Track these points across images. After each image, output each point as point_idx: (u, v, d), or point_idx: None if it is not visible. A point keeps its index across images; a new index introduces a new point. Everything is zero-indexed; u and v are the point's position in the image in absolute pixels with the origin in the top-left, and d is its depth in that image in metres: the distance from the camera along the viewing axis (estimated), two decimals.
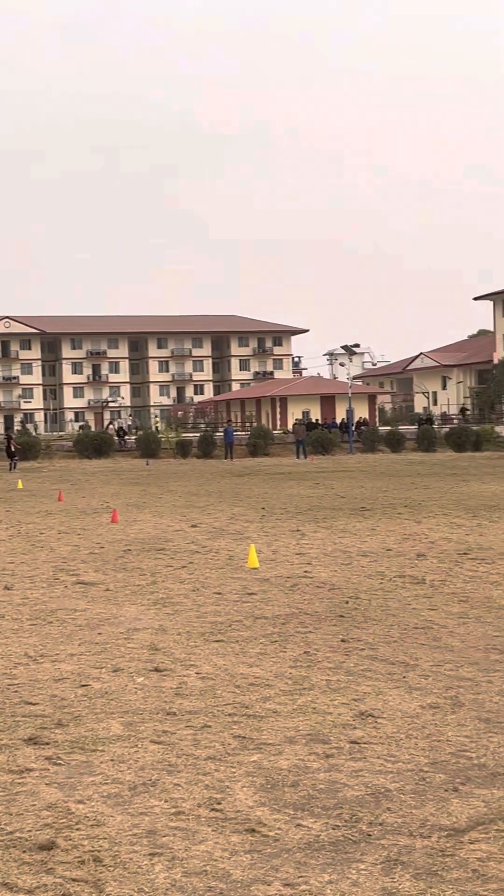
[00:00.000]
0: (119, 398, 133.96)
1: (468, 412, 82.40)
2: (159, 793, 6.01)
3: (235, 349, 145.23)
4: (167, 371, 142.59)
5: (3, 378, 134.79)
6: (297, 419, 78.86)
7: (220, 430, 67.58)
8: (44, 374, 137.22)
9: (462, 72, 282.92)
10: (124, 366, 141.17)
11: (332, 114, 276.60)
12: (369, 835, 5.34)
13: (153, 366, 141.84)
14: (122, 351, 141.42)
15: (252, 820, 5.57)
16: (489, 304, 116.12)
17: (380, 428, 70.75)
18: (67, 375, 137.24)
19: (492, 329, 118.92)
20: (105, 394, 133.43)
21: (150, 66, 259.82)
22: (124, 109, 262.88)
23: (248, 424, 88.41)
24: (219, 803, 5.81)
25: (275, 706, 7.73)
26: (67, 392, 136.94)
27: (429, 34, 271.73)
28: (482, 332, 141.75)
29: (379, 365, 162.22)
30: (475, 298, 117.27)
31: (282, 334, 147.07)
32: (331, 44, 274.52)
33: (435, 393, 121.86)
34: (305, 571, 14.33)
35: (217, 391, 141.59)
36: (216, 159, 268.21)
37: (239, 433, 67.05)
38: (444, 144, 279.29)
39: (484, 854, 5.05)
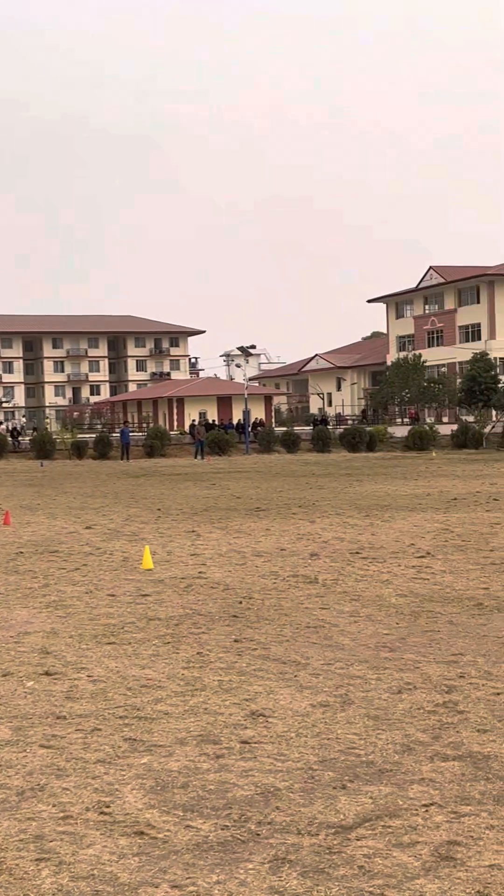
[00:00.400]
0: (11, 399, 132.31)
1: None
2: (47, 797, 5.95)
3: (132, 350, 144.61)
4: (62, 371, 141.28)
5: None
6: (194, 420, 78.86)
7: (117, 430, 67.17)
8: None
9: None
10: (18, 366, 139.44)
11: (234, 119, 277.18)
12: (258, 834, 5.37)
13: (48, 366, 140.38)
14: (17, 351, 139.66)
15: (141, 822, 5.55)
16: (382, 306, 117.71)
17: (276, 429, 71.11)
18: None
19: (385, 331, 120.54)
20: None
21: None
22: None
23: (144, 425, 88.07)
24: (107, 806, 5.78)
25: (166, 708, 7.72)
26: None
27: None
28: (376, 334, 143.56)
29: (275, 366, 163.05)
30: (369, 301, 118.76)
31: (178, 335, 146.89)
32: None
33: (330, 394, 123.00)
34: (200, 572, 14.34)
35: (113, 392, 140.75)
36: (108, 156, 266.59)
37: (135, 434, 66.76)
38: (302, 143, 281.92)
39: (370, 850, 5.12)
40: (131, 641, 10.05)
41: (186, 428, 74.31)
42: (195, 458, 54.41)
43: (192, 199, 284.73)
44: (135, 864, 5.03)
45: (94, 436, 63.03)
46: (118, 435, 59.59)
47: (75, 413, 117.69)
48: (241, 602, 12.04)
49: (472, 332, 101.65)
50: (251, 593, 12.60)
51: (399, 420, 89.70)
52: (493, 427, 64.44)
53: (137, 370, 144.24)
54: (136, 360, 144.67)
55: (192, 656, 9.36)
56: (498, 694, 7.88)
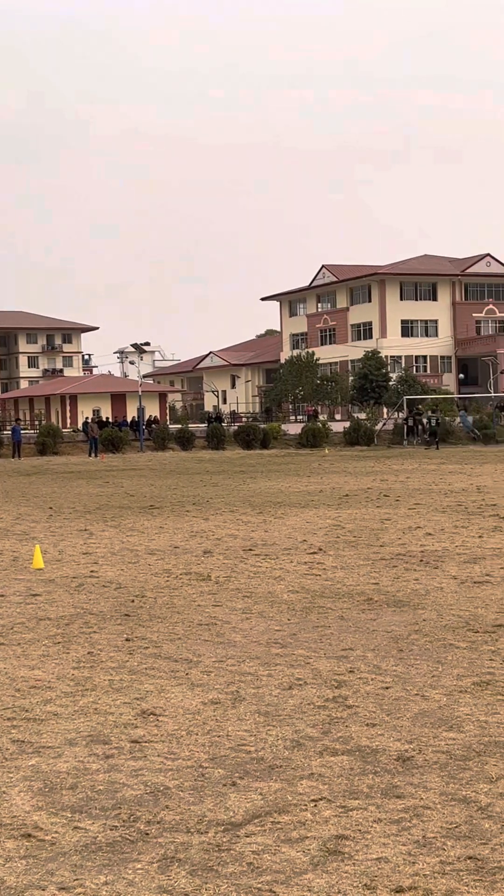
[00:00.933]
0: None
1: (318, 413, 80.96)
2: None
3: (23, 346, 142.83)
4: None
5: None
6: (87, 417, 78.15)
7: (8, 428, 66.17)
8: None
9: None
10: None
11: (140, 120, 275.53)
12: (147, 833, 5.34)
13: None
14: None
15: (28, 825, 5.48)
16: (276, 304, 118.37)
17: (170, 426, 70.95)
18: None
19: (279, 329, 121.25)
20: None
21: None
22: None
23: (36, 423, 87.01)
24: None
25: (56, 708, 7.63)
26: None
27: None
28: (270, 332, 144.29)
29: (169, 363, 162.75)
30: (263, 299, 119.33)
31: (71, 331, 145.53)
32: None
33: (224, 391, 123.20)
34: (92, 571, 14.22)
35: (4, 389, 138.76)
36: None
37: (27, 431, 65.90)
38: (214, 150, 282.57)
39: (259, 847, 5.13)
40: (20, 642, 9.92)
41: (80, 425, 73.65)
42: (89, 455, 53.96)
43: (88, 193, 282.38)
44: (21, 867, 4.96)
45: None
46: (9, 433, 58.74)
47: None
48: (133, 601, 11.98)
49: (363, 331, 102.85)
50: (144, 592, 12.55)
51: (293, 418, 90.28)
52: (385, 424, 65.27)
53: (29, 367, 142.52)
54: (28, 357, 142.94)
55: (82, 656, 9.28)
56: (387, 688, 7.99)
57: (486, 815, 5.48)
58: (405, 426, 59.63)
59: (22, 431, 58.49)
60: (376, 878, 4.75)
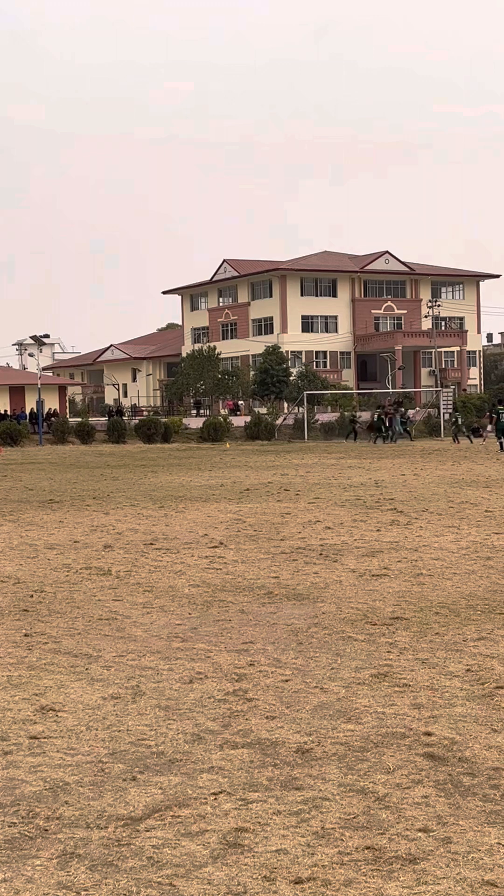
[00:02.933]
0: None
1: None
2: None
3: None
4: None
5: None
6: None
7: None
8: None
9: None
10: None
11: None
12: (46, 829, 5.31)
13: None
14: None
15: None
16: (177, 298, 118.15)
17: (70, 419, 70.37)
18: None
19: (180, 323, 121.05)
20: None
21: None
22: None
23: None
24: None
25: None
26: None
27: None
28: (171, 326, 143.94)
29: (69, 356, 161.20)
30: (164, 292, 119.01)
31: None
32: None
33: (125, 385, 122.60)
34: None
35: None
36: None
37: None
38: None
39: (159, 841, 5.14)
40: None
41: None
42: None
43: None
44: None
45: None
46: None
47: None
48: (32, 596, 11.86)
49: (264, 326, 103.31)
50: (43, 587, 12.43)
51: (194, 412, 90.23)
52: (285, 419, 65.68)
53: None
54: None
55: None
56: (286, 681, 8.05)
57: (383, 805, 5.57)
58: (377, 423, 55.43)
59: None
60: (276, 870, 4.79)
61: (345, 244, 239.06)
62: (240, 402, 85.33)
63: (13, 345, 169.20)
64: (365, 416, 60.84)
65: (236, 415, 70.73)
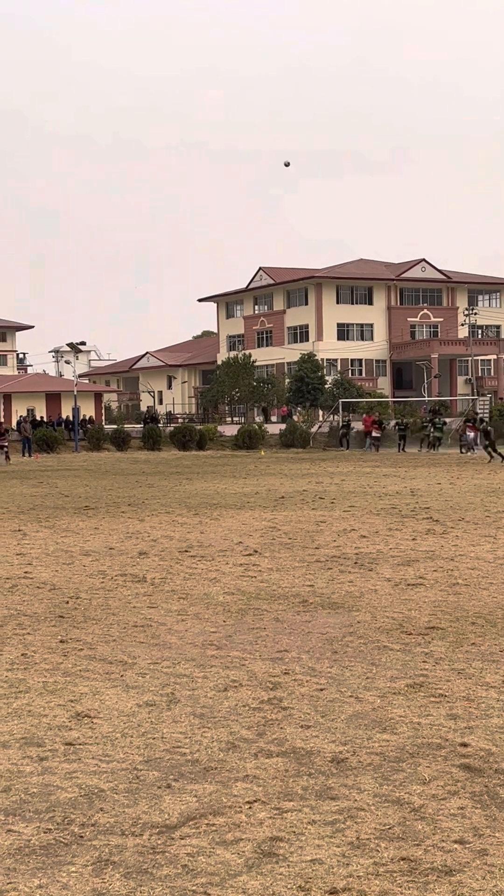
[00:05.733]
0: None
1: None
2: None
3: None
4: None
5: None
6: (21, 416, 77.54)
7: None
8: None
9: None
10: None
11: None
12: (81, 836, 5.32)
13: None
14: None
15: None
16: (213, 305, 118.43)
17: (105, 426, 70.66)
18: None
19: (215, 330, 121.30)
20: None
21: None
22: None
23: None
24: None
25: None
26: None
27: None
28: (206, 333, 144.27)
29: (105, 363, 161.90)
30: (200, 300, 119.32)
31: (6, 329, 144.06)
32: None
33: (160, 392, 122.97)
34: (26, 572, 14.11)
35: None
36: None
37: None
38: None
39: (194, 849, 5.14)
40: None
41: (13, 425, 73.01)
42: (22, 455, 53.54)
43: (24, 190, 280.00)
44: None
45: None
46: None
47: None
48: (67, 602, 11.91)
49: (300, 333, 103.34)
50: (78, 593, 12.48)
51: (229, 419, 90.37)
52: (320, 427, 65.60)
53: None
54: None
55: (16, 658, 9.21)
56: (321, 690, 8.03)
57: (419, 816, 5.54)
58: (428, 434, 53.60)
59: None
60: (310, 880, 4.78)
61: (381, 252, 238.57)
62: (292, 409, 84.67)
63: (50, 352, 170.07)
64: (358, 424, 59.64)
65: (285, 421, 70.41)
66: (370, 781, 6.05)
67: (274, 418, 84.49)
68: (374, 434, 53.22)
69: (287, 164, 45.91)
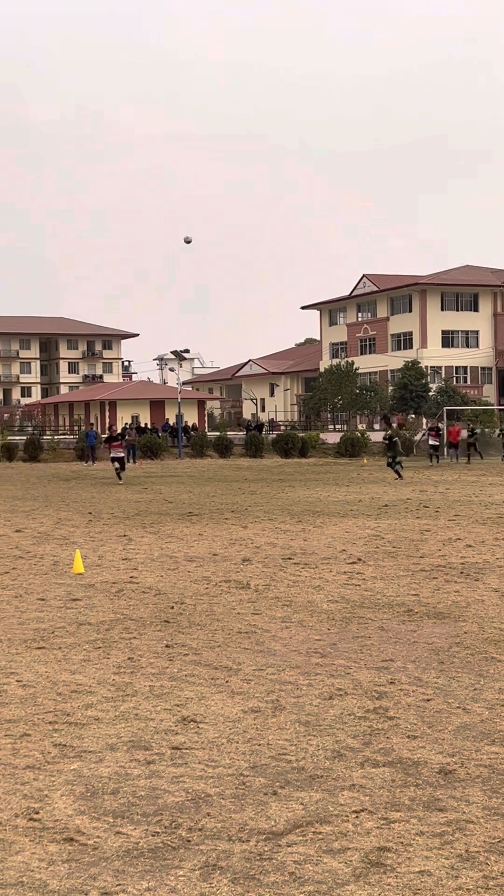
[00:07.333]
0: None
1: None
2: None
3: (64, 352, 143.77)
4: None
5: None
6: (126, 423, 78.51)
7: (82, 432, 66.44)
8: None
9: None
10: None
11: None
12: (188, 840, 5.35)
13: None
14: None
15: (70, 829, 5.50)
16: (316, 313, 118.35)
17: (208, 433, 71.08)
18: None
19: (318, 338, 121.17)
20: None
21: None
22: None
23: (76, 428, 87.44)
24: (37, 812, 5.72)
25: (97, 713, 7.66)
26: None
27: None
28: (309, 341, 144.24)
29: (208, 370, 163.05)
30: (303, 308, 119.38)
31: (112, 338, 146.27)
32: None
33: (263, 399, 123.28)
34: (131, 577, 14.27)
35: (45, 394, 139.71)
36: (37, 148, 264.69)
37: (67, 437, 66.22)
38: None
39: (301, 857, 5.12)
40: (61, 646, 9.96)
41: (119, 431, 73.90)
42: (127, 461, 54.15)
43: (130, 203, 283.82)
44: (64, 871, 4.98)
45: (24, 438, 62.46)
46: (71, 437, 58.95)
47: (5, 415, 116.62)
48: (172, 607, 12.00)
49: (403, 341, 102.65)
50: (183, 598, 12.57)
51: (332, 427, 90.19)
52: (424, 435, 64.94)
53: (70, 372, 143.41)
54: (69, 363, 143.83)
55: (122, 661, 9.31)
56: (428, 700, 7.95)
57: None
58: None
59: (60, 437, 58.79)
60: (419, 892, 4.72)
61: (487, 258, 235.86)
62: (410, 417, 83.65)
63: (154, 359, 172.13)
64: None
65: (402, 429, 69.76)
66: (479, 794, 5.97)
67: (377, 426, 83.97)
68: (431, 442, 52.42)
69: (188, 241, 45.06)
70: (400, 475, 36.20)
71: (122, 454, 38.32)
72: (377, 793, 6.00)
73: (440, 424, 56.07)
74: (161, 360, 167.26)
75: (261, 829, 5.49)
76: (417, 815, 5.66)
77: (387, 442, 37.47)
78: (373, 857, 5.11)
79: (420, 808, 5.77)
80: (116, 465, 36.63)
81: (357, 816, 5.64)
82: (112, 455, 37.49)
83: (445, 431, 54.40)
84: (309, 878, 4.87)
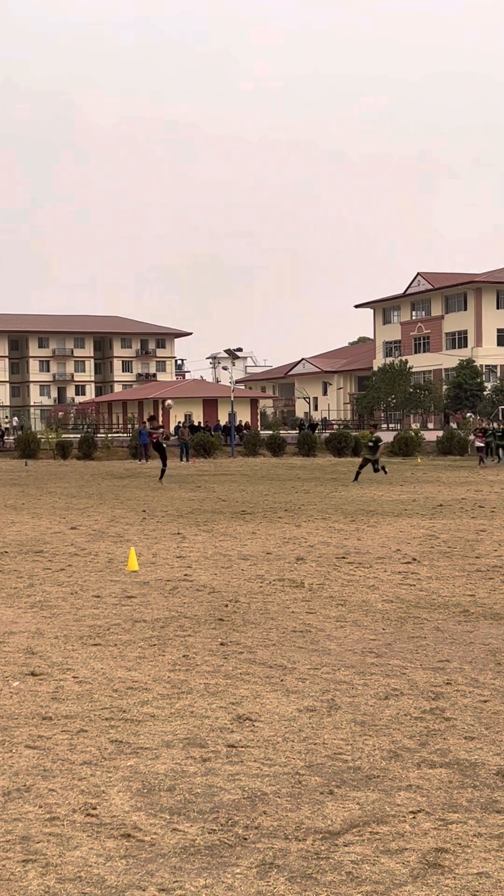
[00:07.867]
0: None
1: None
2: (33, 798, 5.92)
3: (118, 350, 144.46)
4: (48, 371, 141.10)
5: None
6: (179, 422, 78.84)
7: (138, 430, 66.87)
8: None
9: None
10: (3, 364, 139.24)
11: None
12: (245, 838, 5.35)
13: (34, 365, 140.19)
14: (2, 349, 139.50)
15: (128, 825, 5.52)
16: (370, 311, 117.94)
17: (261, 432, 71.14)
18: None
19: (372, 336, 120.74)
20: None
21: None
22: None
23: (129, 426, 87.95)
24: (94, 808, 5.75)
25: (152, 710, 7.69)
26: None
27: None
28: (362, 339, 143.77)
29: (261, 369, 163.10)
30: (356, 306, 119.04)
31: (165, 336, 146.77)
32: None
33: (316, 398, 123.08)
34: (185, 575, 14.31)
35: (99, 392, 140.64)
36: (91, 147, 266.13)
37: (120, 435, 66.64)
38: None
39: (358, 856, 5.11)
40: (117, 643, 10.02)
41: (172, 430, 74.23)
42: (180, 460, 54.33)
43: (180, 202, 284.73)
44: (122, 867, 5.01)
45: (78, 436, 62.95)
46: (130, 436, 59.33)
47: (60, 413, 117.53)
48: (227, 605, 12.02)
49: (458, 339, 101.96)
50: (237, 597, 12.58)
51: (385, 426, 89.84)
52: (471, 436, 64.40)
53: (123, 371, 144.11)
54: (122, 361, 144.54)
55: (178, 659, 9.34)
56: (485, 701, 7.89)
57: None
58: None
59: (114, 435, 59.13)
60: (477, 893, 4.69)
61: None
62: (469, 416, 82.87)
63: (207, 358, 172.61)
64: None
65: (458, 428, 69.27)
66: None
67: (430, 425, 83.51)
68: (478, 444, 51.83)
69: (169, 406, 40.81)
70: (384, 470, 37.86)
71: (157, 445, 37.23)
72: (434, 794, 5.96)
73: (489, 425, 55.51)
74: (214, 359, 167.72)
75: (317, 828, 5.48)
76: (475, 816, 5.62)
77: (370, 444, 37.71)
78: (430, 858, 5.08)
79: (478, 809, 5.73)
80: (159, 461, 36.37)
81: (414, 817, 5.61)
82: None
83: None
84: (366, 878, 4.86)
